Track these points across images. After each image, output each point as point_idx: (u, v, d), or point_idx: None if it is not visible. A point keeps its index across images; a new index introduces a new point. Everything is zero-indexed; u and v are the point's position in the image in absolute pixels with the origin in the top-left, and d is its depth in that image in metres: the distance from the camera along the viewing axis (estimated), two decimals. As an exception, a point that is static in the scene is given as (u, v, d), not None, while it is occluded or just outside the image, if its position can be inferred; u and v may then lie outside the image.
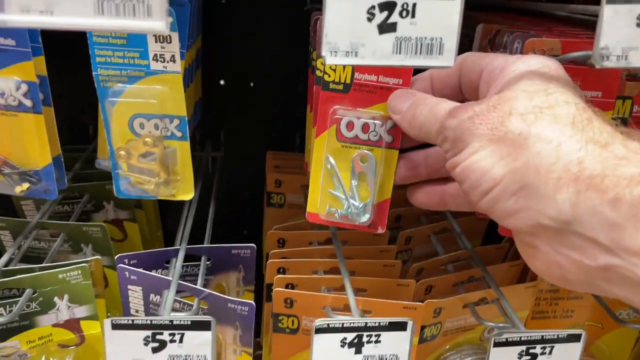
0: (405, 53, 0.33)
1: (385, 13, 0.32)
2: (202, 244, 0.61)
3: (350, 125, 0.45)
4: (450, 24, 0.32)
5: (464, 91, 0.42)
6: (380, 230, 0.48)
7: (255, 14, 0.83)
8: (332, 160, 0.46)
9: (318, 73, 0.47)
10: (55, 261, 0.57)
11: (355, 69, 0.44)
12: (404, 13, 0.32)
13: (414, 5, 0.32)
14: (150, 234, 0.79)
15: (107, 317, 0.53)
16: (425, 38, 0.33)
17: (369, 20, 0.32)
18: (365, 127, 0.45)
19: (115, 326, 0.43)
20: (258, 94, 0.88)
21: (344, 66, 0.44)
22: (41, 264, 0.56)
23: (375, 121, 0.45)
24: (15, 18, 0.30)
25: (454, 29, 0.32)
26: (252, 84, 0.87)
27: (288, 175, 0.76)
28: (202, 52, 0.74)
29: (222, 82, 0.87)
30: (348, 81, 0.45)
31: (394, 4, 0.32)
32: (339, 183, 0.47)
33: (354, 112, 0.45)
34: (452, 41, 0.33)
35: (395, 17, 0.32)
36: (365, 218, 0.48)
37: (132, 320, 0.44)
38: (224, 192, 0.81)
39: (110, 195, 0.59)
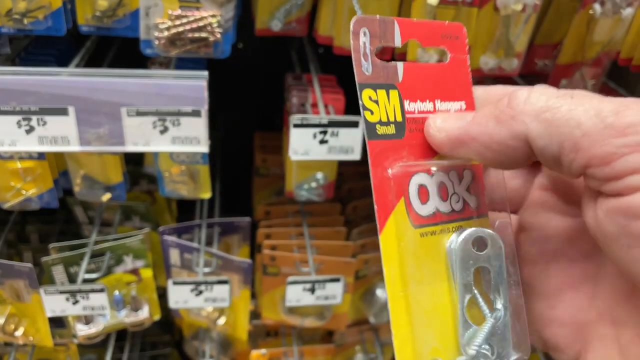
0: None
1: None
2: (213, 214, 0.92)
3: (422, 192, 0.29)
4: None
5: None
6: None
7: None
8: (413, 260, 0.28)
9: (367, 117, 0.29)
10: (115, 226, 0.88)
11: (403, 94, 0.30)
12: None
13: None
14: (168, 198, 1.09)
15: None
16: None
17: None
18: (442, 190, 0.30)
19: (176, 283, 0.75)
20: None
21: (387, 91, 0.29)
22: (107, 227, 0.87)
23: (451, 175, 0.30)
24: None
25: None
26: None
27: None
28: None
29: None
30: (399, 118, 0.30)
31: None
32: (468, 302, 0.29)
33: (418, 165, 0.29)
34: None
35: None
36: None
37: (185, 281, 0.76)
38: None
39: (143, 175, 0.91)
